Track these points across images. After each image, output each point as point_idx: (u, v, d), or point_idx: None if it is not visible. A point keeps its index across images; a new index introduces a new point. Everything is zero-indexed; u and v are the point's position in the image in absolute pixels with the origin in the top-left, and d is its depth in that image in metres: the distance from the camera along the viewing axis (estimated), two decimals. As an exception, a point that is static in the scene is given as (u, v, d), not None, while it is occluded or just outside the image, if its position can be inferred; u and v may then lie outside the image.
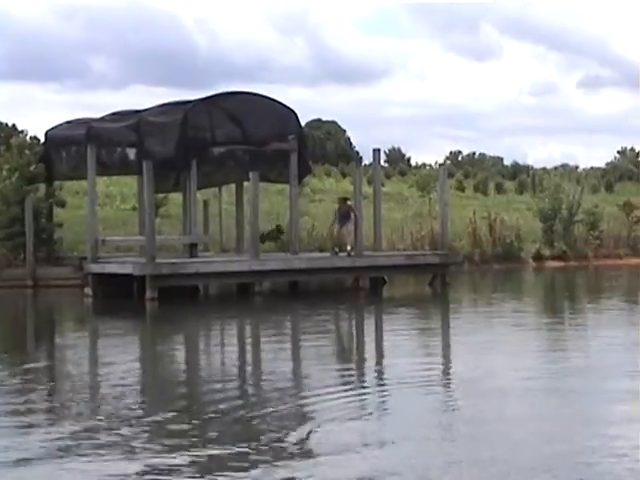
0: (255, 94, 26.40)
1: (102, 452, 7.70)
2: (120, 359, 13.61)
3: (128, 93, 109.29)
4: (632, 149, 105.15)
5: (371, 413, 9.41)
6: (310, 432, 8.42)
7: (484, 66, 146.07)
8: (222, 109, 25.94)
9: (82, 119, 27.92)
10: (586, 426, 8.52)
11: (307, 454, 7.71)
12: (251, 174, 23.77)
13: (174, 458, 7.44)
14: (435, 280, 25.76)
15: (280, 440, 8.02)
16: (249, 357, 14.60)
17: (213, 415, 9.23)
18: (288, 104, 26.08)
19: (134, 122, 25.41)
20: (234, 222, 27.97)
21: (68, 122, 28.04)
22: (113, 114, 27.28)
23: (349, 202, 25.48)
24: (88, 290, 23.99)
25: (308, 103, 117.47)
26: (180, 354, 15.21)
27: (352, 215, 24.67)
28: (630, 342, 14.34)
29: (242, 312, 20.64)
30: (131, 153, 25.77)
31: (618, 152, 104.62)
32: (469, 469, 7.07)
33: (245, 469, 7.14)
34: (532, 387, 10.59)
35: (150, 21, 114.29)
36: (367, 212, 26.23)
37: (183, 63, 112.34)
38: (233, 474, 7.02)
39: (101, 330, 18.63)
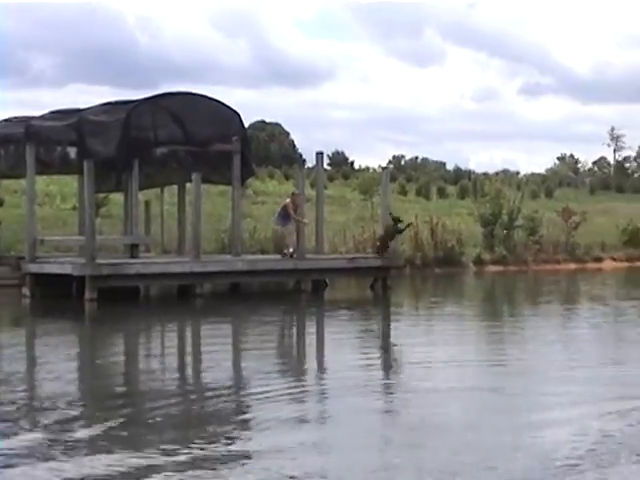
0: (198, 95, 26.27)
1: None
2: (53, 359, 13.50)
3: (69, 91, 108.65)
4: (571, 156, 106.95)
5: (306, 401, 9.53)
6: (248, 419, 8.92)
7: (427, 70, 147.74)
8: (165, 109, 25.75)
9: (21, 117, 27.51)
10: (516, 428, 8.62)
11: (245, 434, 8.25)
12: (193, 175, 23.65)
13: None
14: (376, 283, 25.86)
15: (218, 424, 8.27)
16: (185, 359, 14.51)
17: (146, 410, 9.20)
18: (231, 105, 26.01)
19: (75, 121, 25.12)
20: (176, 223, 27.80)
21: (6, 120, 27.62)
22: (53, 112, 26.95)
23: (290, 198, 25.23)
24: (26, 290, 23.64)
25: (251, 104, 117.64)
26: (115, 356, 15.02)
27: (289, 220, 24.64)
28: (562, 344, 14.70)
29: (182, 314, 20.49)
30: (72, 152, 25.48)
31: (558, 158, 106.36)
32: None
33: (179, 450, 7.33)
34: (466, 386, 10.73)
35: (91, 18, 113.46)
36: (310, 215, 26.24)
37: (125, 62, 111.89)
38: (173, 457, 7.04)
39: (37, 331, 18.38)
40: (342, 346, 14.87)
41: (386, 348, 15.23)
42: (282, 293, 25.19)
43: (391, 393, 10.64)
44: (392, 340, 16.28)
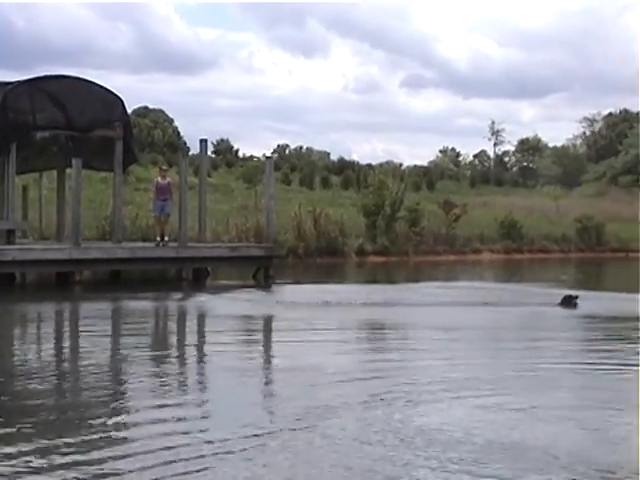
0: (80, 79, 25.74)
1: None
2: None
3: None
4: (453, 149, 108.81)
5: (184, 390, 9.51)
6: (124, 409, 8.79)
7: (310, 60, 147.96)
8: (45, 92, 25.16)
9: None
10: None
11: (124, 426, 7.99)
12: (74, 161, 23.21)
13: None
14: (259, 272, 25.90)
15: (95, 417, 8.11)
16: (57, 347, 14.20)
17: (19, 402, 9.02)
18: (113, 90, 25.58)
19: (-51, 102, 24.36)
20: (55, 209, 27.26)
21: None
22: None
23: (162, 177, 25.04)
24: None
25: (133, 90, 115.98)
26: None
27: (171, 201, 24.55)
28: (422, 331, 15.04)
29: (59, 301, 20.07)
30: (-55, 134, 24.69)
31: (440, 151, 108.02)
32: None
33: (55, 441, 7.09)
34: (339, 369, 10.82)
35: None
36: (192, 203, 26.04)
37: (1, 44, 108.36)
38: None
39: None
40: (215, 335, 14.81)
41: (261, 336, 15.39)
42: (163, 281, 24.94)
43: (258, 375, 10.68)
44: (267, 328, 16.33)
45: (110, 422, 8.12)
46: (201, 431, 7.77)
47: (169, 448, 7.16)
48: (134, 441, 7.41)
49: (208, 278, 25.64)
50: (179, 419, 8.31)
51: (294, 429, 7.80)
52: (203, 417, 8.49)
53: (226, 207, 40.66)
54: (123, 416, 8.48)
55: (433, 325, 16.13)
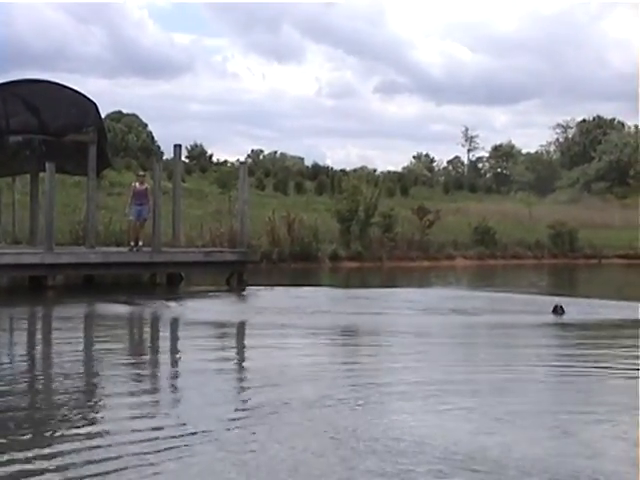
0: (54, 83, 25.67)
1: None
2: None
3: None
4: (427, 155, 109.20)
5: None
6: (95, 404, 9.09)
7: (284, 66, 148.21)
8: (18, 97, 25.04)
9: None
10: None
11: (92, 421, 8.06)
12: (47, 165, 23.15)
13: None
14: (232, 277, 25.90)
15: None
16: (32, 351, 14.18)
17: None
18: (86, 94, 25.53)
19: None
20: (28, 213, 27.15)
21: None
22: None
23: (139, 183, 25.15)
24: None
25: (107, 94, 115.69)
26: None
27: (148, 206, 24.58)
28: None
29: (32, 306, 19.99)
30: None
31: (414, 157, 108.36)
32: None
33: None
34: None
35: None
36: (166, 208, 26.02)
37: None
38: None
39: None
40: (184, 339, 14.89)
41: (230, 341, 15.46)
42: (137, 286, 24.88)
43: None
44: (237, 332, 16.36)
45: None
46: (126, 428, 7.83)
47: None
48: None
49: (182, 283, 25.62)
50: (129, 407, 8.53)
51: (227, 431, 7.77)
52: (148, 408, 8.69)
53: (200, 212, 40.61)
54: (84, 409, 8.57)
55: (405, 331, 16.21)
